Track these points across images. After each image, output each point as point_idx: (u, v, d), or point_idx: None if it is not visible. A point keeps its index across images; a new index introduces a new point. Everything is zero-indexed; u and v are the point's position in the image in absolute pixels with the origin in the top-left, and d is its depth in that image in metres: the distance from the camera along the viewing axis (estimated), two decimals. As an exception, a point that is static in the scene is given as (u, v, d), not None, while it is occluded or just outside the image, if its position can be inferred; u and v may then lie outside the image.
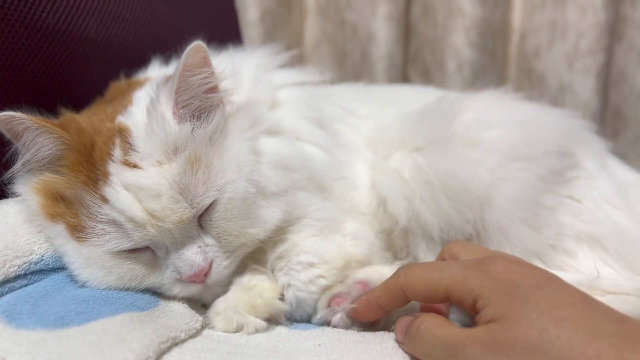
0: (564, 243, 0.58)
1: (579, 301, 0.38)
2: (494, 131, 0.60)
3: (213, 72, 0.51)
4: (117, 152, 0.48)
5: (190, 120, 0.50)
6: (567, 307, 0.37)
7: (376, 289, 0.50)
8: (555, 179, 0.60)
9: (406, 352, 0.46)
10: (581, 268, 0.57)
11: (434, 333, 0.42)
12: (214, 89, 0.52)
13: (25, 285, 0.49)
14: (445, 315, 0.48)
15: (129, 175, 0.47)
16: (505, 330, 0.37)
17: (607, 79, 1.35)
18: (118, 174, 0.47)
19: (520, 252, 0.57)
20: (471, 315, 0.47)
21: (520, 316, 0.37)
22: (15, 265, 0.48)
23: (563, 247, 0.58)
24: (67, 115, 0.55)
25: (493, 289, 0.40)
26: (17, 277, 0.49)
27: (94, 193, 0.48)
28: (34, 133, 0.48)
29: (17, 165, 0.51)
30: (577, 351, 0.34)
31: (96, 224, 0.48)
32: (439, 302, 0.47)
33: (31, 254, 0.50)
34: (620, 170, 0.67)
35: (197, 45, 0.49)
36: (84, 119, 0.52)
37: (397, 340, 0.47)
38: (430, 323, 0.43)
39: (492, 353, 0.37)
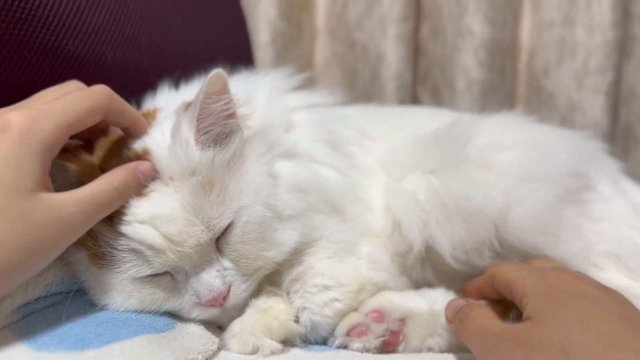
0: (593, 259, 0.58)
1: (617, 317, 0.39)
2: (507, 153, 0.61)
3: (232, 99, 0.52)
4: None
5: (212, 147, 0.50)
6: (599, 319, 0.39)
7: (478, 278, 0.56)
8: (571, 198, 0.60)
9: (452, 331, 0.51)
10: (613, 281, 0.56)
11: (477, 322, 0.46)
12: (232, 115, 0.53)
13: (46, 307, 0.50)
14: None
15: (141, 209, 0.48)
16: (536, 327, 0.40)
17: (617, 97, 1.35)
18: (131, 208, 0.48)
19: None
20: None
21: (552, 317, 0.40)
22: (36, 288, 0.49)
23: (593, 262, 0.58)
24: (82, 158, 0.52)
25: (541, 290, 0.43)
26: (38, 299, 0.49)
27: (109, 227, 0.48)
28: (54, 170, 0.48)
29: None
30: (594, 358, 0.36)
31: (117, 252, 0.48)
32: (509, 297, 0.49)
33: (52, 276, 0.50)
34: (634, 192, 0.66)
35: (217, 73, 0.49)
36: (96, 158, 0.52)
37: (446, 317, 0.52)
38: (477, 312, 0.47)
39: (520, 347, 0.39)
